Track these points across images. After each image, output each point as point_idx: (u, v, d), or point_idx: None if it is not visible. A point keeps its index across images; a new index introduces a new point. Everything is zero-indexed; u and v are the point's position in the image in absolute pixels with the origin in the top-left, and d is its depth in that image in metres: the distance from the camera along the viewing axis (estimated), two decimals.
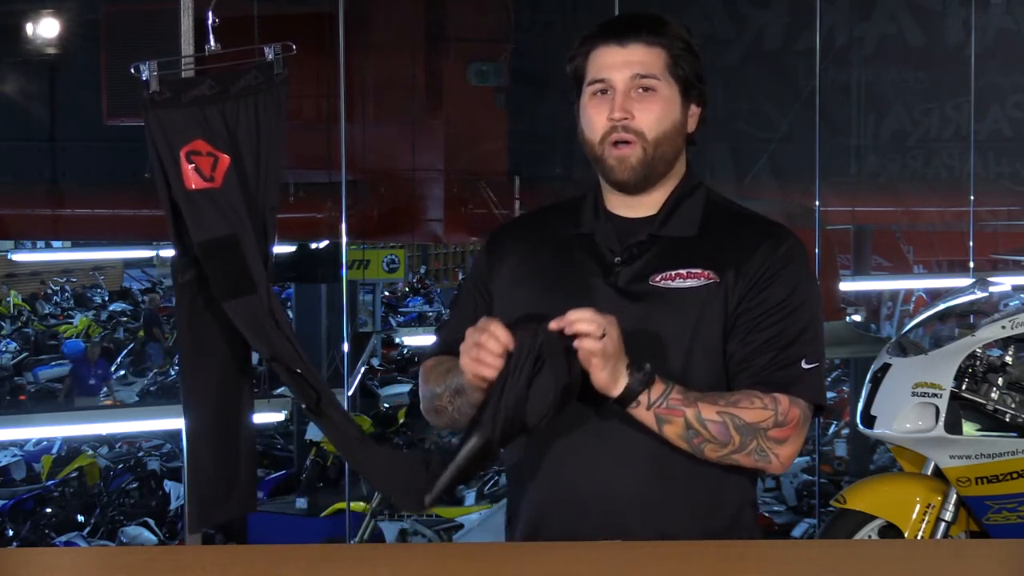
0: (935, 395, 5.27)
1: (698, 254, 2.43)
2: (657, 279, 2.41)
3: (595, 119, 2.44)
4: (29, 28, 10.21)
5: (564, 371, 2.26)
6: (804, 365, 2.40)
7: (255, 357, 3.66)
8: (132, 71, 3.37)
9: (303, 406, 3.39)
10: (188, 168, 3.36)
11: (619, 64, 2.42)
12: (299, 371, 3.33)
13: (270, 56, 3.49)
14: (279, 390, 6.63)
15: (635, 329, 2.35)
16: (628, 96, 2.42)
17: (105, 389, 16.02)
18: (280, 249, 11.16)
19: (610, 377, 2.28)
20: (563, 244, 2.50)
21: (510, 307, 2.45)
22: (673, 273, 2.41)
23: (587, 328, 2.24)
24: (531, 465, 2.47)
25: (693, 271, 2.41)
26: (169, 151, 3.36)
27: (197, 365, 3.53)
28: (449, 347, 2.50)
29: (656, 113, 2.42)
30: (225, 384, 3.55)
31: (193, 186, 3.36)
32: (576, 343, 2.25)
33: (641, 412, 2.32)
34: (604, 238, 2.47)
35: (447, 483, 2.31)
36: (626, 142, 2.42)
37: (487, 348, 2.27)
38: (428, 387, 2.56)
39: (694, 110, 2.49)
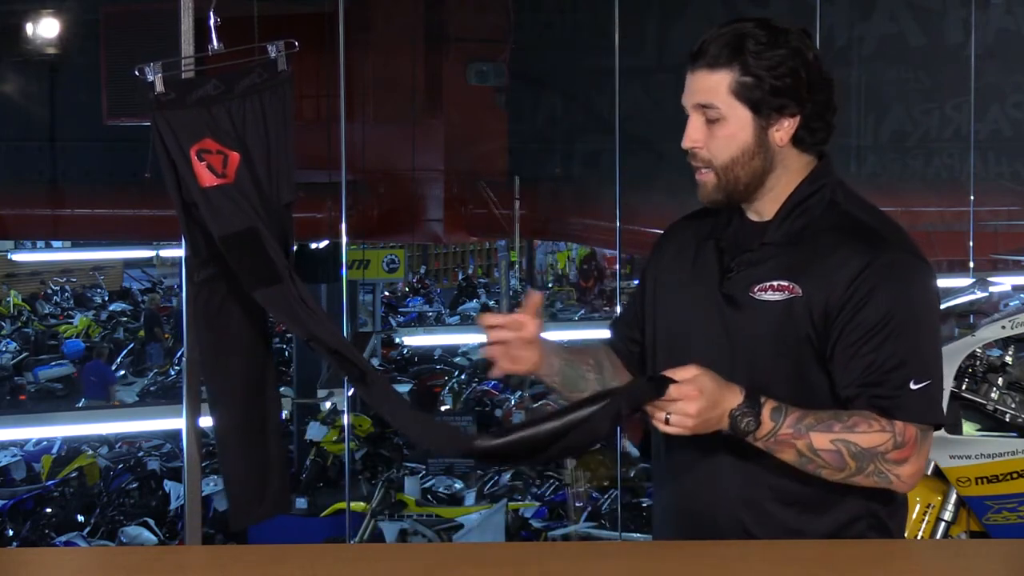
0: None
1: (792, 265, 2.44)
2: (755, 290, 2.44)
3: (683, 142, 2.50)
4: (29, 28, 10.20)
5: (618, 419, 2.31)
6: (912, 387, 2.37)
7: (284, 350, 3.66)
8: (136, 73, 3.36)
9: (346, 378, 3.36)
10: (200, 166, 3.35)
11: (689, 92, 2.46)
12: (338, 350, 3.27)
13: (273, 54, 3.49)
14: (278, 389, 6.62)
15: (732, 336, 2.45)
16: (696, 125, 2.45)
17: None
18: None
19: (702, 431, 2.33)
20: (702, 244, 2.57)
21: (655, 298, 2.61)
22: (767, 284, 2.44)
23: (676, 429, 2.30)
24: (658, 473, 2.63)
25: (782, 283, 2.43)
26: (180, 150, 3.35)
27: (218, 366, 3.51)
28: (616, 331, 2.71)
29: (722, 141, 2.44)
30: (248, 384, 3.53)
31: (207, 183, 3.36)
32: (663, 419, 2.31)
33: (750, 441, 2.36)
34: (728, 242, 2.52)
35: (506, 442, 2.33)
36: (700, 168, 2.48)
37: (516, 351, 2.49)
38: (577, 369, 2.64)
39: (784, 122, 2.43)
